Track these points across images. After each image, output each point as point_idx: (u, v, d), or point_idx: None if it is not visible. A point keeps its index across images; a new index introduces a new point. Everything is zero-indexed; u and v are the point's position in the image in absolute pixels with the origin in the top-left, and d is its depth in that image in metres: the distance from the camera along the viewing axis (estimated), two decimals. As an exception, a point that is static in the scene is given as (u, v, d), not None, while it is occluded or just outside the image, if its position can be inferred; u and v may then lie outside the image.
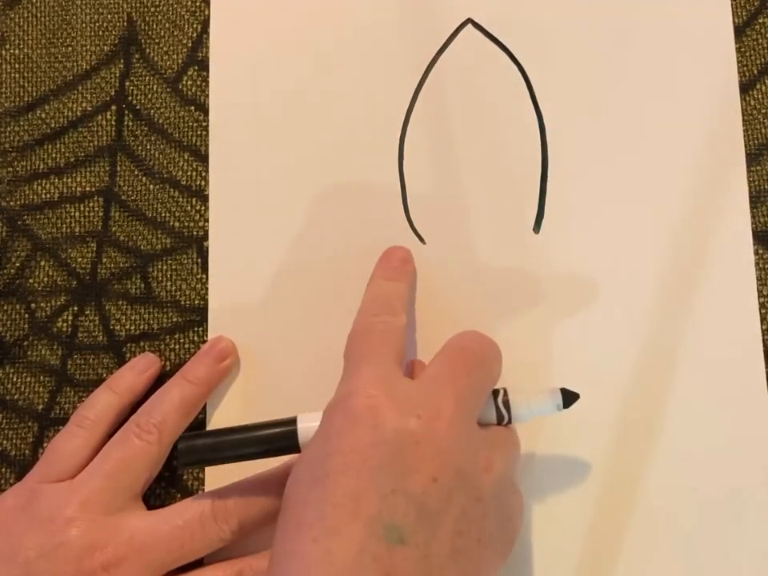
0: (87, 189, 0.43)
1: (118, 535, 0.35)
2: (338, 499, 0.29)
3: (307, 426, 0.34)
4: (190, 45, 0.44)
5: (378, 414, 0.31)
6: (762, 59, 0.42)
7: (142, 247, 0.43)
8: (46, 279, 0.43)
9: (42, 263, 0.43)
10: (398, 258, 0.40)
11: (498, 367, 0.35)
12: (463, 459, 0.31)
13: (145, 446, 0.37)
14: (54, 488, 0.37)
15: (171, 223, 0.43)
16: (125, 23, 0.45)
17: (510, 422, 0.35)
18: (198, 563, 0.37)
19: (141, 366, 0.40)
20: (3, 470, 0.41)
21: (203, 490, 0.40)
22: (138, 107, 0.44)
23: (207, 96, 0.44)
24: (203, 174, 0.43)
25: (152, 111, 0.44)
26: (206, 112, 0.43)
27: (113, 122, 0.44)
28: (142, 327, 0.42)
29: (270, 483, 0.37)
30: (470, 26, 0.43)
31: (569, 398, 0.35)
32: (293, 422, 0.35)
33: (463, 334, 0.35)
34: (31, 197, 0.43)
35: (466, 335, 0.35)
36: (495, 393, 0.35)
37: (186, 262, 0.42)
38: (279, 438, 0.35)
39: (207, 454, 0.35)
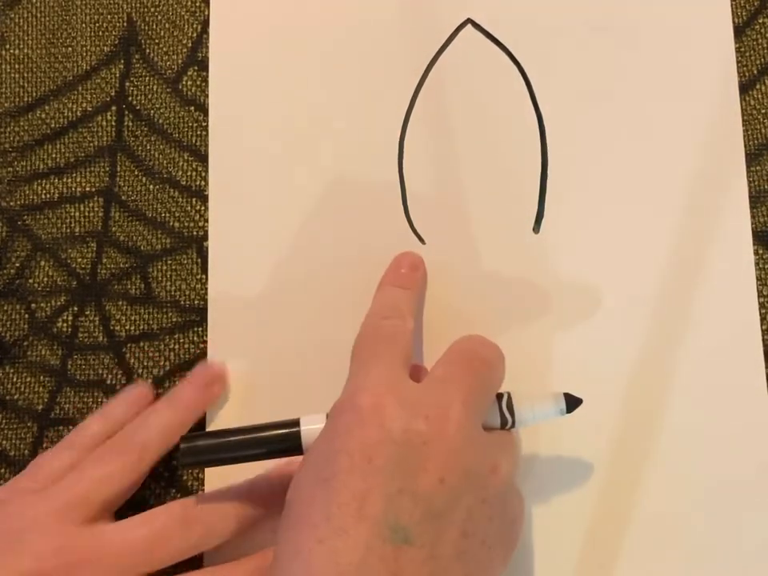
0: (87, 189, 0.43)
1: (86, 540, 0.35)
2: (344, 499, 0.29)
3: (310, 428, 0.34)
4: (189, 45, 0.44)
5: (385, 413, 0.31)
6: (762, 59, 0.42)
7: (141, 247, 0.43)
8: (45, 279, 0.43)
9: (42, 263, 0.43)
10: (408, 264, 0.40)
11: (502, 371, 0.35)
12: (470, 461, 0.31)
13: (124, 465, 0.37)
14: (24, 498, 0.36)
15: (171, 223, 0.43)
16: (125, 23, 0.45)
17: (513, 425, 0.35)
18: (196, 565, 0.37)
19: (132, 398, 0.40)
20: (2, 470, 0.41)
21: (203, 489, 0.40)
22: (138, 107, 0.44)
23: (207, 96, 0.44)
24: (203, 174, 0.43)
25: (152, 111, 0.44)
26: (205, 112, 0.43)
27: (113, 123, 0.44)
28: (141, 327, 0.42)
29: (246, 491, 0.37)
30: (469, 26, 0.43)
31: (572, 402, 0.35)
32: (296, 423, 0.34)
33: (468, 338, 0.35)
34: (31, 197, 0.43)
35: (471, 339, 0.35)
36: (499, 396, 0.35)
37: (185, 262, 0.42)
38: (282, 439, 0.34)
39: (208, 454, 0.35)
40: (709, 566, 0.38)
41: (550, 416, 0.35)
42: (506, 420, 0.34)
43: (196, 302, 0.42)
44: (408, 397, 0.32)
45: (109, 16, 0.45)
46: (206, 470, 0.40)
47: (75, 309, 0.42)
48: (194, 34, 0.44)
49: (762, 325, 0.40)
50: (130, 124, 0.44)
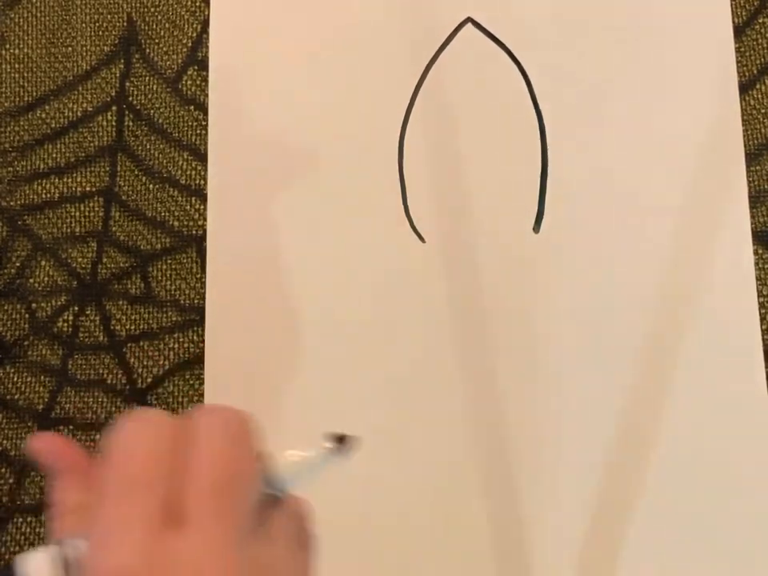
0: (87, 189, 0.43)
1: None
2: None
3: (30, 569, 0.25)
4: (189, 45, 0.44)
5: None
6: (762, 59, 0.42)
7: (141, 247, 0.43)
8: (46, 279, 0.43)
9: (43, 263, 0.43)
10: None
11: (254, 461, 0.27)
12: None
13: None
14: None
15: (171, 223, 0.43)
16: (125, 23, 0.45)
17: (281, 494, 0.27)
18: None
19: None
20: (3, 470, 0.41)
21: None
22: (138, 107, 0.44)
23: (207, 96, 0.44)
24: (203, 173, 0.43)
25: (152, 111, 0.44)
26: (205, 111, 0.44)
27: (113, 122, 0.44)
28: (141, 327, 0.42)
29: None
30: (469, 24, 0.43)
31: (344, 441, 0.27)
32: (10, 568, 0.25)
33: (210, 441, 0.26)
34: (31, 197, 0.44)
35: (213, 442, 0.26)
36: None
37: (185, 261, 0.42)
38: None
39: None
40: (709, 566, 0.38)
41: (326, 464, 0.27)
42: (273, 496, 0.27)
43: (196, 301, 0.42)
44: (167, 564, 0.24)
45: (109, 16, 0.45)
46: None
47: (76, 308, 0.42)
48: (194, 34, 0.44)
49: (762, 325, 0.40)
50: (130, 124, 0.44)
